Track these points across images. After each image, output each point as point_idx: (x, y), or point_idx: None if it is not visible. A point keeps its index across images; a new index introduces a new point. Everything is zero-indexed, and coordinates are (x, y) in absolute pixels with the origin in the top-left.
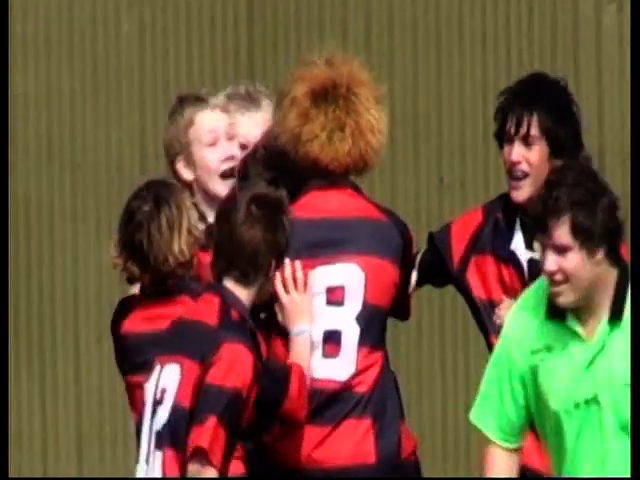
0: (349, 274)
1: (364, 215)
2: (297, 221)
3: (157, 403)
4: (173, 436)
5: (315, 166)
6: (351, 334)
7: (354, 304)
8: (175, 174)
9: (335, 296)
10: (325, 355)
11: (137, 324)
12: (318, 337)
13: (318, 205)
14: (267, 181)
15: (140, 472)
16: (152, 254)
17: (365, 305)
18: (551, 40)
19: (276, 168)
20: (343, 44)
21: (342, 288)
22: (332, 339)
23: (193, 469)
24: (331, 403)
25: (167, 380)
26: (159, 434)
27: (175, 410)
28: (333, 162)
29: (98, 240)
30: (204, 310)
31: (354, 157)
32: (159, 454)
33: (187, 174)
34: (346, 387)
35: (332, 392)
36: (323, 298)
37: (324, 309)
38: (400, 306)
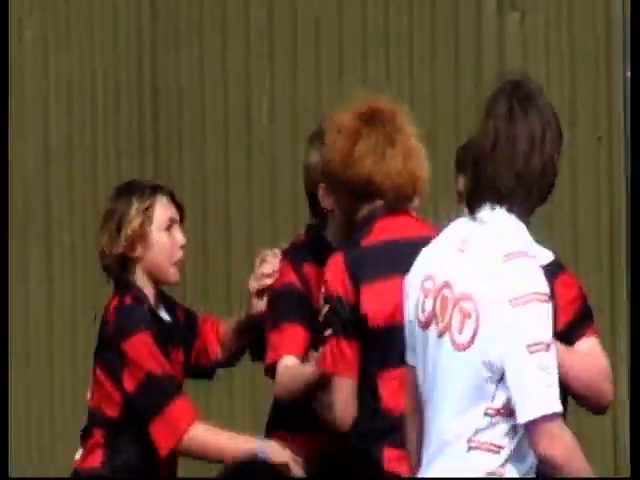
0: None
1: (425, 238)
2: (386, 242)
3: None
4: None
5: (368, 185)
6: None
7: None
8: (313, 199)
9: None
10: None
11: None
12: None
13: (394, 228)
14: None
15: None
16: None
17: None
18: (454, 48)
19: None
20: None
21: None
22: None
23: None
24: None
25: None
26: None
27: None
28: (386, 180)
29: None
30: None
31: (405, 178)
32: None
33: (326, 202)
34: None
35: None
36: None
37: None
38: None
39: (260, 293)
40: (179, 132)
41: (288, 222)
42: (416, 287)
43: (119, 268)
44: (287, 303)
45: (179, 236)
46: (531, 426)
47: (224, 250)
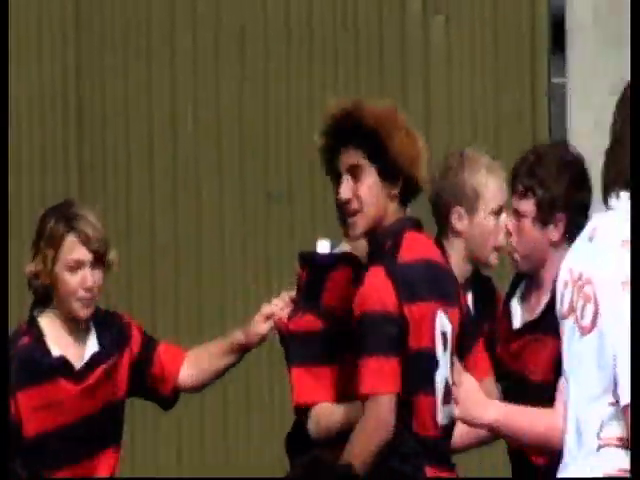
0: (447, 322)
1: (443, 262)
2: (418, 262)
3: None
4: None
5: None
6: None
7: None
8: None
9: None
10: (443, 402)
11: None
12: (441, 385)
13: (423, 246)
14: (524, 187)
15: None
16: None
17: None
18: (378, 52)
19: (534, 177)
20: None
21: (445, 335)
22: (447, 385)
23: None
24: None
25: None
26: None
27: None
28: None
29: None
30: None
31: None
32: None
33: (460, 225)
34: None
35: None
36: (441, 345)
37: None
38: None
39: (267, 318)
40: (103, 144)
41: (214, 231)
42: (560, 284)
43: (39, 287)
44: (315, 345)
45: (86, 277)
46: (627, 410)
47: (149, 264)
